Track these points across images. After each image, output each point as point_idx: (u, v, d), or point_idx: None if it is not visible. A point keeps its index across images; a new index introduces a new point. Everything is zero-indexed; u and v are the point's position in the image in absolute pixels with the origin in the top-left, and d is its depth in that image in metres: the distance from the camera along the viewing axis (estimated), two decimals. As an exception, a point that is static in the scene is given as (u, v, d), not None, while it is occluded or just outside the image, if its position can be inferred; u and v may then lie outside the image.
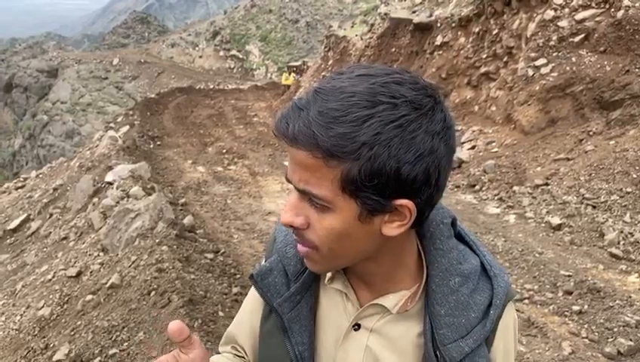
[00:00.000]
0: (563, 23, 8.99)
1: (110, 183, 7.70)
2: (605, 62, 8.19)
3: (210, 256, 5.67)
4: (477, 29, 11.37)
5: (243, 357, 1.05)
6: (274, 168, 10.64)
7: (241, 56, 50.07)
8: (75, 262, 5.95)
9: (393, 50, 14.81)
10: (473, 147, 9.45)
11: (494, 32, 10.79)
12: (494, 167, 8.06)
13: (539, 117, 8.68)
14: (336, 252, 0.80)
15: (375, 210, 0.76)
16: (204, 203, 8.39)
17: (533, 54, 9.18)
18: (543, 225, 6.12)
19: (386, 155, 0.71)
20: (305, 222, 0.79)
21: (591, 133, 7.65)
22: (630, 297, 4.43)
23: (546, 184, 6.96)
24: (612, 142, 7.14)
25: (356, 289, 0.91)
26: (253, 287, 1.01)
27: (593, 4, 8.87)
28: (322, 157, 0.72)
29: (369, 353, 0.89)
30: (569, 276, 4.84)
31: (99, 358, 4.06)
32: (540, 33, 9.29)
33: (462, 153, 9.23)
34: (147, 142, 13.02)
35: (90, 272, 5.55)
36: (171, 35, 59.58)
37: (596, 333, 4.05)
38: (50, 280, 5.80)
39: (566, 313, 4.35)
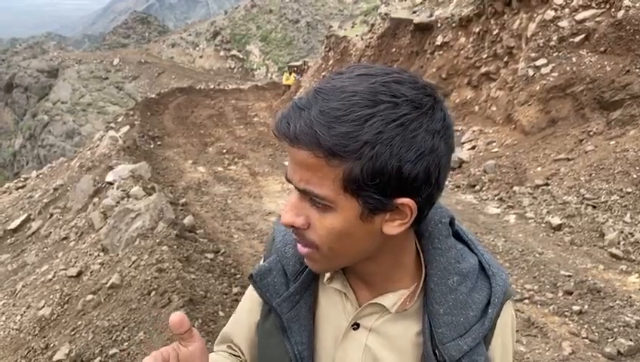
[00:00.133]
0: (563, 23, 8.99)
1: (110, 183, 7.71)
2: (605, 63, 8.19)
3: (210, 256, 5.67)
4: (477, 29, 11.37)
5: (239, 357, 1.05)
6: (274, 168, 10.65)
7: (241, 57, 50.08)
8: (75, 262, 5.96)
9: (393, 50, 14.81)
10: (473, 147, 9.45)
11: (495, 32, 10.79)
12: (494, 167, 8.06)
13: (539, 117, 8.68)
14: (337, 251, 0.80)
15: (376, 209, 0.76)
16: (205, 203, 8.39)
17: (533, 54, 9.17)
18: (544, 225, 6.11)
19: (388, 154, 0.71)
20: (305, 222, 0.79)
21: (591, 133, 7.65)
22: (630, 297, 4.43)
23: (547, 184, 6.96)
24: (612, 142, 7.14)
25: (355, 288, 0.91)
26: (250, 287, 1.01)
27: (593, 5, 8.87)
28: (324, 157, 0.72)
29: (368, 352, 0.89)
30: (569, 276, 4.84)
31: (99, 358, 4.06)
32: (540, 33, 9.28)
33: (462, 153, 9.22)
34: (147, 142, 13.03)
35: (91, 272, 5.56)
36: (172, 35, 59.61)
37: (596, 333, 4.05)
38: (50, 280, 5.80)
39: (566, 313, 4.35)
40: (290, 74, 24.86)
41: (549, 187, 6.86)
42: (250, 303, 1.04)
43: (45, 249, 7.34)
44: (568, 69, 8.51)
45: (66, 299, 5.24)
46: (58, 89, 45.20)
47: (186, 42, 53.97)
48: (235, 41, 51.53)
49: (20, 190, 12.48)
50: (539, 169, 7.54)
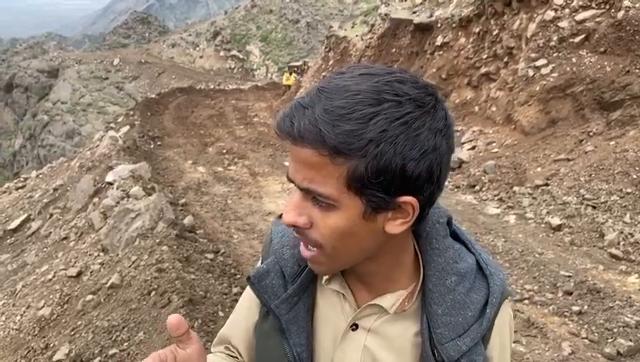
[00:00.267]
0: (563, 24, 9.00)
1: (110, 183, 7.71)
2: (605, 63, 8.19)
3: (210, 256, 5.67)
4: (477, 30, 11.37)
5: (237, 358, 1.05)
6: (274, 168, 10.65)
7: (241, 57, 50.08)
8: (75, 262, 5.96)
9: (393, 50, 14.81)
10: (473, 147, 9.45)
11: (495, 33, 10.79)
12: (494, 167, 8.06)
13: (539, 117, 8.68)
14: (340, 251, 0.80)
15: (379, 208, 0.76)
16: (205, 203, 8.39)
17: (533, 55, 9.18)
18: (543, 225, 6.12)
19: (392, 152, 0.71)
20: (308, 222, 0.79)
21: (591, 133, 7.65)
22: (630, 298, 4.43)
23: (546, 184, 6.96)
24: (612, 142, 7.14)
25: (353, 289, 0.91)
26: (247, 288, 1.01)
27: (593, 5, 8.87)
28: (328, 155, 0.72)
29: (367, 353, 0.89)
30: (569, 276, 4.84)
31: (99, 358, 4.06)
32: (540, 34, 9.29)
33: (462, 153, 9.23)
34: (147, 142, 13.03)
35: (91, 272, 5.56)
36: (172, 36, 59.60)
37: (596, 334, 4.05)
38: (50, 280, 5.80)
39: (566, 313, 4.35)
40: (291, 74, 24.85)
41: (549, 187, 6.86)
42: (248, 305, 1.04)
43: (45, 249, 7.34)
44: (568, 69, 8.51)
45: (66, 299, 5.24)
46: (58, 89, 45.21)
47: (186, 42, 53.98)
48: (235, 41, 51.53)
49: (19, 190, 12.48)
50: (539, 169, 7.54)
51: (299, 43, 50.46)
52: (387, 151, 0.71)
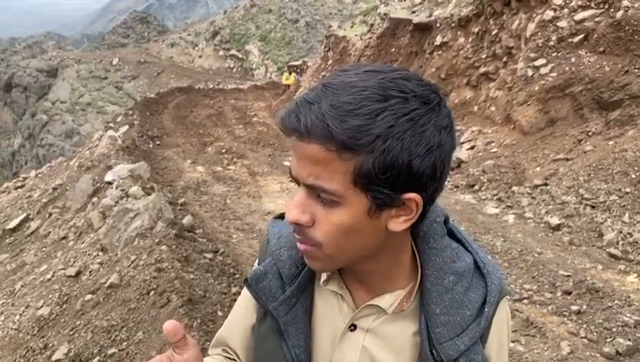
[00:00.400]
0: (562, 24, 9.00)
1: (109, 183, 7.71)
2: (604, 63, 8.20)
3: (209, 255, 5.67)
4: (476, 29, 11.38)
5: (234, 360, 1.04)
6: (273, 168, 10.65)
7: (240, 56, 50.05)
8: (74, 262, 5.95)
9: (393, 50, 14.81)
10: (472, 147, 9.46)
11: (494, 33, 10.80)
12: (493, 167, 8.06)
13: (538, 117, 8.69)
14: (342, 248, 0.80)
15: (384, 204, 0.76)
16: (204, 203, 8.39)
17: (532, 54, 9.18)
18: (542, 225, 6.12)
19: (399, 148, 0.71)
20: (311, 220, 0.79)
21: (590, 133, 7.66)
22: (629, 297, 4.43)
23: (545, 184, 6.97)
24: (611, 142, 7.14)
25: (351, 290, 0.91)
26: (245, 290, 1.01)
27: (592, 5, 8.88)
28: (336, 150, 0.72)
29: (365, 353, 0.89)
30: (568, 276, 4.85)
31: (98, 358, 4.07)
32: (539, 33, 9.29)
33: (461, 153, 9.23)
34: (146, 141, 13.02)
35: (90, 272, 5.56)
36: (171, 35, 59.54)
37: (595, 333, 4.06)
38: (49, 279, 5.80)
39: (565, 313, 4.35)
40: (290, 74, 24.84)
41: (548, 187, 6.86)
42: (245, 305, 1.03)
43: (44, 248, 7.34)
44: (567, 69, 8.52)
45: (65, 298, 5.24)
46: (57, 88, 45.17)
47: (186, 42, 53.95)
48: (235, 40, 51.51)
49: (18, 189, 12.46)
50: (538, 169, 7.54)
51: (298, 42, 50.44)
52: (394, 147, 0.71)
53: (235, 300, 4.67)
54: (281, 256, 0.94)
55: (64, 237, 7.21)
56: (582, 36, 8.65)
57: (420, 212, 0.78)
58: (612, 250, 5.32)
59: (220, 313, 4.38)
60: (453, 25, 12.14)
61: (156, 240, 5.48)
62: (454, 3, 12.88)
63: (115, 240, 5.84)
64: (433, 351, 0.86)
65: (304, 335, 0.92)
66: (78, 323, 4.65)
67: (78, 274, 5.60)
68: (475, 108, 10.64)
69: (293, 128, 0.74)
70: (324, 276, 0.92)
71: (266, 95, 23.91)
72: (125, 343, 4.12)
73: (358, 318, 0.90)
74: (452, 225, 0.94)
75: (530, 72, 9.03)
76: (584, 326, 4.16)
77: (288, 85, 22.82)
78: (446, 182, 0.81)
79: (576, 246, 5.58)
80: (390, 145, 0.71)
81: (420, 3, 15.12)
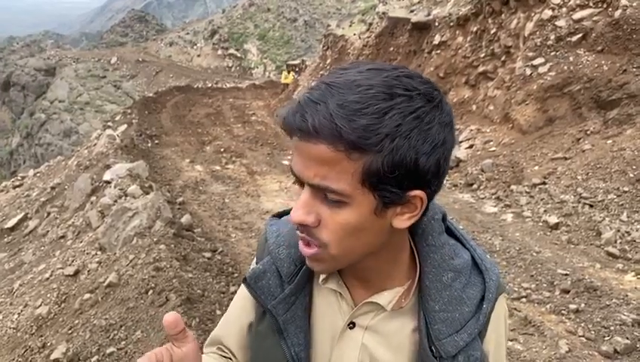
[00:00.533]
0: (561, 23, 9.01)
1: (108, 182, 7.70)
2: (603, 62, 8.20)
3: (207, 254, 5.68)
4: (475, 29, 11.38)
5: (230, 359, 1.04)
6: (272, 167, 10.65)
7: (239, 55, 50.03)
8: (72, 261, 5.95)
9: (391, 49, 14.82)
10: (471, 146, 9.46)
11: (492, 32, 10.80)
12: (492, 166, 8.07)
13: (536, 116, 8.69)
14: (348, 248, 0.79)
15: (391, 203, 0.76)
16: (202, 202, 8.38)
17: (530, 54, 9.19)
18: (541, 224, 6.13)
19: (407, 146, 0.71)
20: (316, 220, 0.78)
21: (588, 132, 7.67)
22: (627, 296, 4.44)
23: (544, 183, 6.98)
24: (609, 141, 7.15)
25: (350, 287, 0.91)
26: (241, 288, 1.00)
27: (591, 4, 8.89)
28: (344, 150, 0.71)
29: (364, 350, 0.89)
30: (566, 275, 4.86)
31: (96, 357, 4.06)
32: (537, 32, 9.30)
33: (459, 152, 9.23)
34: (145, 140, 13.00)
35: (88, 271, 5.55)
36: (169, 34, 59.52)
37: (593, 332, 4.06)
38: (47, 278, 5.80)
39: (563, 311, 4.36)
40: (289, 72, 24.87)
41: (546, 186, 6.87)
42: (242, 304, 1.03)
43: (42, 248, 7.33)
44: (566, 68, 8.53)
45: (64, 297, 5.24)
46: (55, 87, 45.09)
47: (184, 41, 53.91)
48: (233, 39, 51.48)
49: (17, 189, 12.44)
50: (536, 168, 7.55)
51: (296, 41, 50.44)
52: (402, 145, 0.71)
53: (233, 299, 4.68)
54: (279, 255, 0.94)
55: (62, 236, 7.20)
56: (580, 35, 8.66)
57: (424, 208, 0.79)
58: (610, 249, 5.33)
59: (218, 312, 4.38)
60: (451, 24, 12.15)
61: (155, 239, 5.47)
62: (453, 2, 12.89)
63: (113, 240, 5.84)
64: (432, 347, 0.86)
65: (303, 333, 0.92)
66: (77, 322, 4.65)
67: (76, 273, 5.60)
68: (474, 107, 10.65)
69: (299, 128, 0.73)
70: (323, 274, 0.91)
71: (265, 94, 23.91)
72: (124, 342, 4.12)
73: (357, 316, 0.90)
74: (450, 222, 0.94)
75: (528, 71, 9.04)
76: (582, 324, 4.16)
77: (287, 84, 22.83)
78: (444, 181, 0.82)
79: (575, 244, 5.58)
80: (398, 144, 0.71)
81: (419, 2, 15.13)
